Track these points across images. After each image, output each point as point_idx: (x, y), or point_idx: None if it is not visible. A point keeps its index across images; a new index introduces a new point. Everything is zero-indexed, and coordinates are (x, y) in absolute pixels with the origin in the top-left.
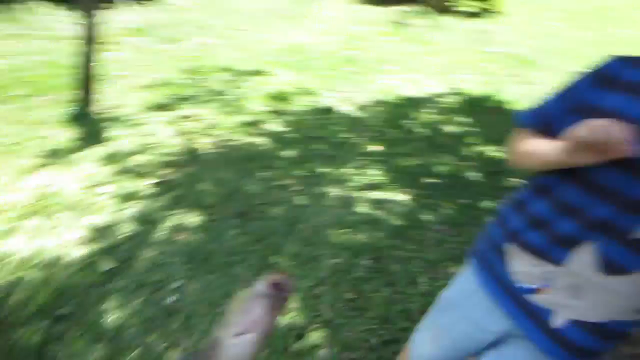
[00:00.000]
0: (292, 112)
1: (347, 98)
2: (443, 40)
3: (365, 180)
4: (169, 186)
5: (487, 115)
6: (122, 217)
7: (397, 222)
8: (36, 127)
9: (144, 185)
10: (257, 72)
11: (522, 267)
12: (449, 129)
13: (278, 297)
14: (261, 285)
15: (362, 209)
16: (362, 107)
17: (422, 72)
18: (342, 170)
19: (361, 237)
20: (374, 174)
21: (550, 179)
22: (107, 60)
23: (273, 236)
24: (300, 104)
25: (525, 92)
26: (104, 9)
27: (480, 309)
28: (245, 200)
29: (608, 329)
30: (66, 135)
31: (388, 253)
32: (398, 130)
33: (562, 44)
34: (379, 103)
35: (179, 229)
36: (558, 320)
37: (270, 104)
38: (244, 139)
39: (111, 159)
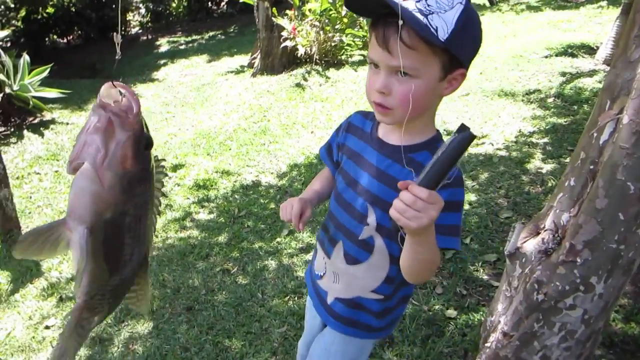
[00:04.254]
0: (218, 197)
1: (266, 169)
2: (341, 92)
3: (299, 244)
4: None
5: None
6: None
7: None
8: None
9: None
10: (178, 166)
11: (317, 259)
12: None
13: (113, 115)
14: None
15: (300, 272)
16: (283, 175)
17: (329, 127)
18: (276, 240)
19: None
20: (306, 236)
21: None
22: (27, 194)
23: (222, 322)
24: (224, 187)
25: None
26: (6, 144)
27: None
28: (190, 294)
29: (357, 303)
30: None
31: None
32: None
33: None
34: (298, 166)
35: (133, 339)
36: (330, 299)
37: (195, 194)
38: (177, 235)
39: (52, 290)
